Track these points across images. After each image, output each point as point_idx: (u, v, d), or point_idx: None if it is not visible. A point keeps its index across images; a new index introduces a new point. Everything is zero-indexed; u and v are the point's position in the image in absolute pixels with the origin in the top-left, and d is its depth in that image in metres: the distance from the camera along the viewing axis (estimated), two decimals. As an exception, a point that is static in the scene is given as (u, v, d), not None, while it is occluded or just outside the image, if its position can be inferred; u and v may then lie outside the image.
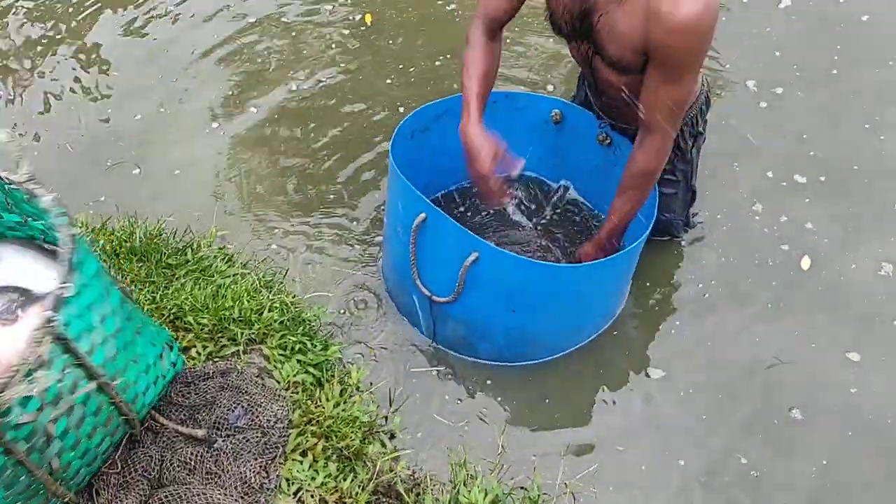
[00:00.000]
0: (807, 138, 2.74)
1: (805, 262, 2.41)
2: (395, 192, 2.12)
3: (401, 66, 3.03)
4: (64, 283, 1.42)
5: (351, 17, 3.24)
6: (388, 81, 2.98)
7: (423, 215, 1.94)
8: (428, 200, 1.95)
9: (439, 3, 3.27)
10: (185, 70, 3.06)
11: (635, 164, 1.96)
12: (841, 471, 1.99)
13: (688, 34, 1.70)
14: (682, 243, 2.45)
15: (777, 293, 2.35)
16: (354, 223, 2.53)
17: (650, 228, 2.00)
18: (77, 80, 3.04)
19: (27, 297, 1.76)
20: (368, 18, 3.22)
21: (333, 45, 3.13)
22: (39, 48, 3.17)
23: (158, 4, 3.33)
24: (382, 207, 2.51)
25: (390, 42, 3.13)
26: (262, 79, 3.02)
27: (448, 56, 3.04)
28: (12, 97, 2.99)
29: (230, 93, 2.98)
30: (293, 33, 3.20)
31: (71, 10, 3.33)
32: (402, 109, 2.83)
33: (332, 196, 2.62)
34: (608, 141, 2.20)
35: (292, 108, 2.91)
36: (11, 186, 1.62)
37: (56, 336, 1.40)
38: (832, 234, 2.48)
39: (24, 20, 3.30)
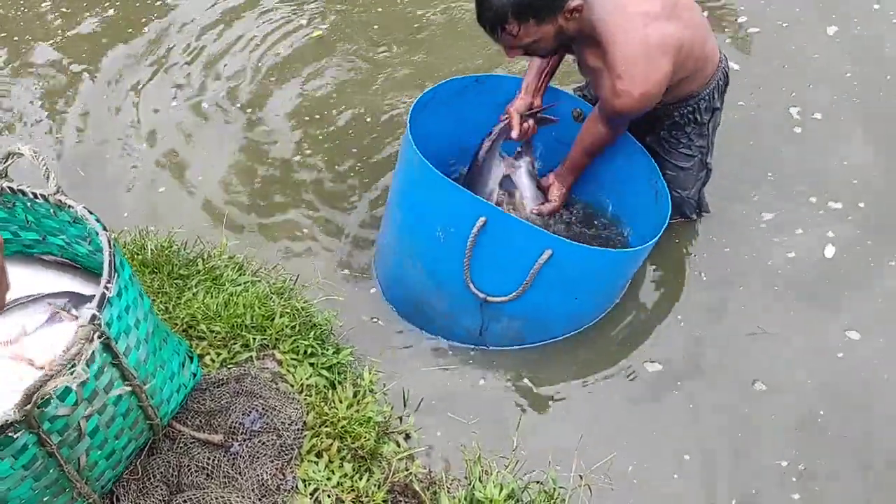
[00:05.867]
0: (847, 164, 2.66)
1: (829, 251, 2.41)
2: (428, 197, 2.07)
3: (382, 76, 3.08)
4: (107, 282, 1.47)
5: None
6: (375, 91, 3.00)
7: (482, 219, 1.90)
8: (488, 203, 1.97)
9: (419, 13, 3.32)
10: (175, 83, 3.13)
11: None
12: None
13: None
14: (691, 241, 2.47)
15: (785, 288, 2.35)
16: (363, 229, 2.56)
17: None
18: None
19: (78, 298, 1.82)
20: (317, 34, 3.25)
21: (318, 57, 3.17)
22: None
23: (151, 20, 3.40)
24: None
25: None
26: (260, 89, 3.07)
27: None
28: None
29: (223, 99, 3.04)
30: (280, 47, 3.25)
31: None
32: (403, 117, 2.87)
33: (340, 203, 2.65)
34: (583, 117, 2.23)
35: (296, 115, 2.95)
36: (36, 202, 1.67)
37: (100, 334, 1.45)
38: (852, 237, 2.47)
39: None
